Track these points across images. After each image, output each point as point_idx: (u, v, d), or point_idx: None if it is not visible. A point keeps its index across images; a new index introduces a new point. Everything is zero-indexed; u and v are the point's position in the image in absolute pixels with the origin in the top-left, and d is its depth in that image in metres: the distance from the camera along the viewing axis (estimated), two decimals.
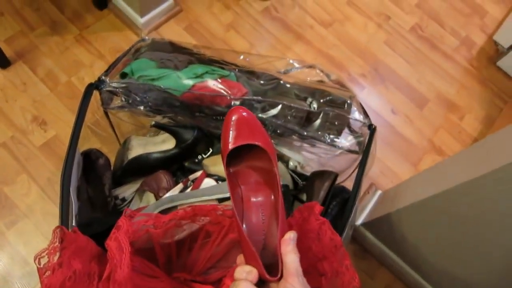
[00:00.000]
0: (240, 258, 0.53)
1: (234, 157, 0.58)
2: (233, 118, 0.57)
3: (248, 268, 0.49)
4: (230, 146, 0.56)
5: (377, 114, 1.51)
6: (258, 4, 1.63)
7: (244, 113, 0.58)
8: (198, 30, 1.53)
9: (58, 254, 0.65)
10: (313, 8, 1.67)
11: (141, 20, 1.43)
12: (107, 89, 0.86)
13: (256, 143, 0.55)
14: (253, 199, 0.59)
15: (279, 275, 0.48)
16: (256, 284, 0.48)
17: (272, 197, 0.58)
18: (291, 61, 1.07)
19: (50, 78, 1.34)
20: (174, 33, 1.50)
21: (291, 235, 0.50)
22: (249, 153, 0.58)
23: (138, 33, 1.46)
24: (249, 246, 0.49)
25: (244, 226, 0.56)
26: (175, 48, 1.02)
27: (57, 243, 0.66)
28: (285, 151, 1.06)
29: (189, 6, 1.56)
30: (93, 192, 0.95)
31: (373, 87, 1.56)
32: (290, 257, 0.48)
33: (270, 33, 1.58)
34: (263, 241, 0.55)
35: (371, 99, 1.54)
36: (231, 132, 0.57)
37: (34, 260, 0.64)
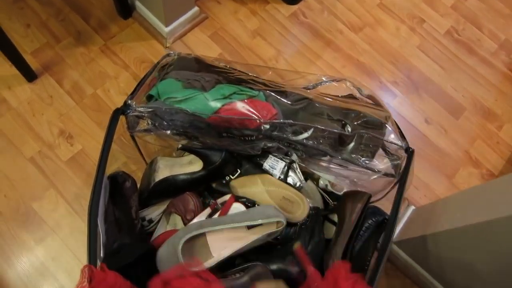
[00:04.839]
0: None
1: None
2: None
3: None
4: None
5: (410, 124, 1.45)
6: (285, 9, 1.58)
7: None
8: (223, 37, 1.49)
9: None
10: (343, 12, 1.60)
11: (165, 29, 1.40)
12: (133, 114, 0.84)
13: None
14: None
15: None
16: None
17: None
18: (322, 77, 1.02)
19: (76, 90, 1.33)
20: (200, 41, 1.47)
21: None
22: None
23: (163, 42, 1.44)
24: None
25: None
26: (201, 65, 0.99)
27: (85, 283, 0.65)
28: (316, 169, 1.03)
29: (214, 13, 1.52)
30: (120, 214, 0.94)
31: (405, 96, 1.49)
32: None
33: (298, 39, 1.53)
34: None
35: (403, 108, 1.47)
36: None
37: None
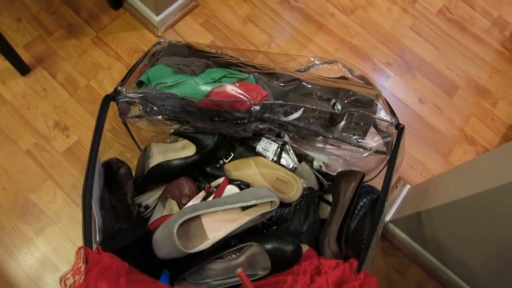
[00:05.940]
0: None
1: None
2: None
3: None
4: None
5: (404, 105, 1.45)
6: None
7: None
8: (215, 25, 1.49)
9: (83, 275, 0.65)
10: None
11: (156, 18, 1.40)
12: (124, 100, 0.84)
13: None
14: None
15: None
16: None
17: None
18: (312, 58, 1.02)
19: (70, 82, 1.33)
20: (191, 29, 1.47)
21: None
22: None
23: (154, 32, 1.44)
24: None
25: None
26: (192, 51, 0.99)
27: (81, 264, 0.66)
28: (308, 150, 1.03)
29: (205, 0, 1.52)
30: (116, 201, 0.95)
31: (399, 76, 1.49)
32: None
33: (290, 24, 1.53)
34: None
35: (397, 88, 1.47)
36: None
37: (60, 283, 0.64)
